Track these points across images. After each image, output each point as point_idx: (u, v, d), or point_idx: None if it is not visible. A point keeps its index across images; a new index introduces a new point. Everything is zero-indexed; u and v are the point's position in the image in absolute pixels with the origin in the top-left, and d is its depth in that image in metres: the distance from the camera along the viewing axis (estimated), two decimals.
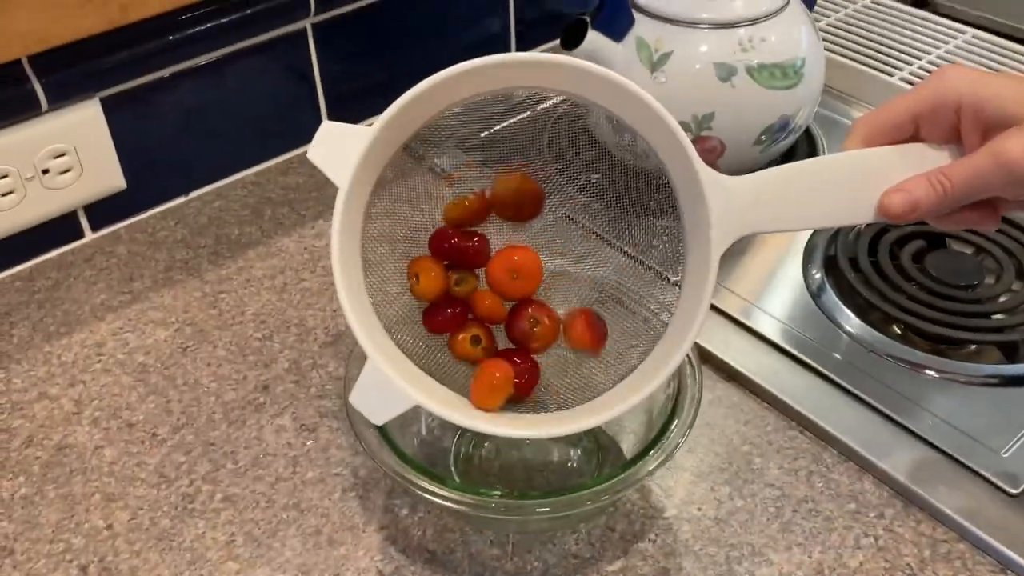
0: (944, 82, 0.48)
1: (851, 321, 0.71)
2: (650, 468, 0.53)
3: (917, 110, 0.49)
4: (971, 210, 0.49)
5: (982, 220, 0.50)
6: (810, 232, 0.79)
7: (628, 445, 0.63)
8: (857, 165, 0.50)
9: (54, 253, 0.81)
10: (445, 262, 0.56)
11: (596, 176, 0.58)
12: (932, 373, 0.67)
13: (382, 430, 0.55)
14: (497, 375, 0.52)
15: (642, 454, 0.54)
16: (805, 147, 0.89)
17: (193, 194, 0.87)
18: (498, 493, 0.53)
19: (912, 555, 0.57)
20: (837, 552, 0.57)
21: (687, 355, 0.58)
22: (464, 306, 0.55)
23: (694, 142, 0.77)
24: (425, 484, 0.52)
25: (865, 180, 0.49)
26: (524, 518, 0.55)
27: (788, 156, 0.87)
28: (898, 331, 0.70)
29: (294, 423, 0.66)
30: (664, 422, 0.56)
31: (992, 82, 0.47)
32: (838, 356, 0.68)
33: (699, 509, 0.60)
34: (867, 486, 0.61)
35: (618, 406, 0.50)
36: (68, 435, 0.65)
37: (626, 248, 0.57)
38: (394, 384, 0.49)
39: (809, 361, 0.68)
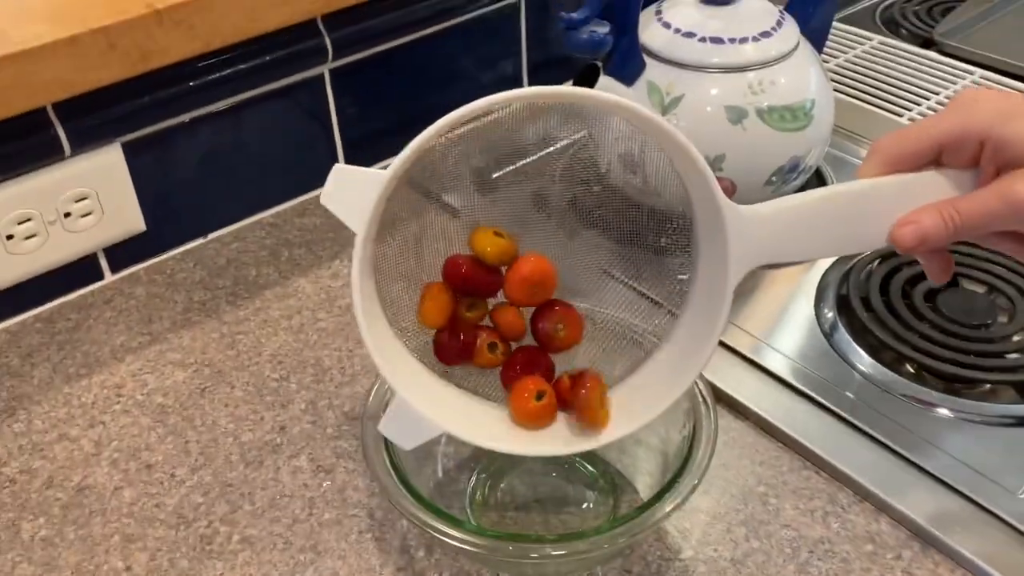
0: (973, 115, 0.48)
1: (864, 360, 0.71)
2: (666, 510, 0.53)
3: (942, 140, 0.48)
4: (1001, 237, 0.49)
5: (1015, 249, 0.50)
6: (823, 271, 0.80)
7: (643, 486, 0.63)
8: (870, 195, 0.50)
9: (74, 295, 0.82)
10: (459, 291, 0.56)
11: (602, 212, 0.59)
12: (946, 412, 0.67)
13: (398, 472, 0.55)
14: (534, 404, 0.52)
15: (658, 496, 0.54)
16: (815, 186, 0.89)
17: (211, 236, 0.88)
18: (513, 536, 0.53)
19: None
20: None
21: (702, 395, 0.59)
22: (474, 333, 0.55)
23: None
24: (441, 526, 0.53)
25: (877, 210, 0.49)
26: (540, 561, 0.55)
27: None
28: (911, 370, 0.71)
29: (311, 464, 0.66)
30: (680, 463, 0.56)
31: (1018, 123, 0.47)
32: (851, 395, 0.68)
33: (715, 550, 0.60)
34: (884, 527, 0.61)
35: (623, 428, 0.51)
36: (88, 476, 0.66)
37: (634, 284, 0.58)
38: (421, 415, 0.49)
39: (823, 400, 0.68)
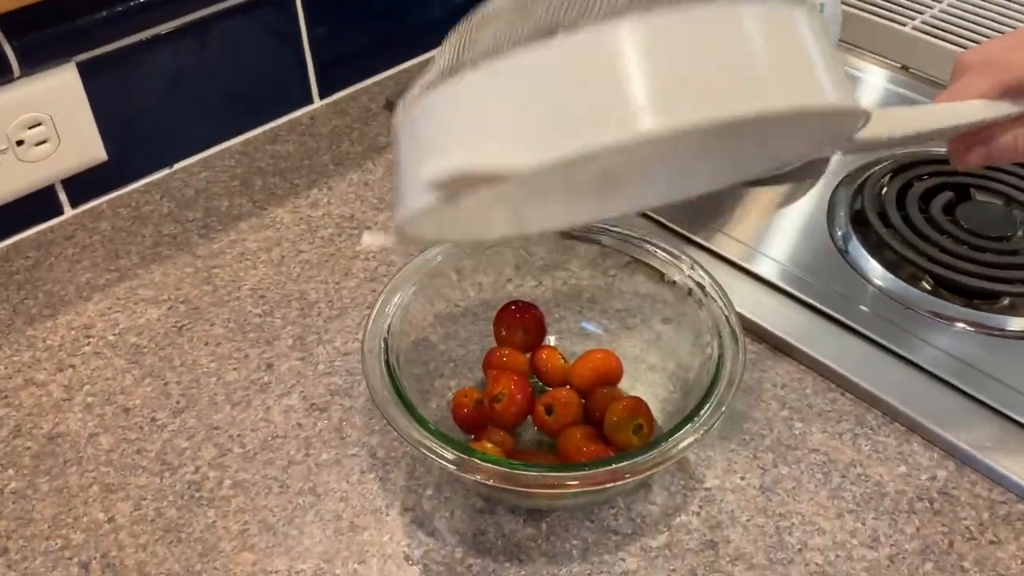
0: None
1: (881, 275, 0.67)
2: (692, 438, 0.49)
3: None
4: None
5: None
6: (832, 187, 0.76)
7: (661, 415, 0.59)
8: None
9: (32, 231, 0.75)
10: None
11: None
12: (966, 327, 0.64)
13: (406, 403, 0.51)
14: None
15: (691, 415, 0.50)
16: None
17: (177, 165, 0.82)
18: (531, 466, 0.49)
19: (971, 518, 0.54)
20: (891, 518, 0.54)
21: (728, 318, 0.55)
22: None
23: None
24: (455, 456, 0.48)
25: None
26: (559, 491, 0.51)
27: None
28: (928, 285, 0.67)
29: (303, 403, 0.62)
30: (706, 386, 0.52)
31: None
32: (870, 312, 0.65)
33: (742, 478, 0.56)
34: (916, 447, 0.58)
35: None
36: (59, 423, 0.61)
37: None
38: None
39: (842, 319, 0.64)
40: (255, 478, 0.57)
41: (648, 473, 0.48)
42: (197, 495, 0.56)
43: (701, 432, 0.50)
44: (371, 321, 0.56)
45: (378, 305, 0.57)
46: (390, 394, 0.51)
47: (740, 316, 0.63)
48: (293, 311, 0.68)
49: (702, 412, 0.50)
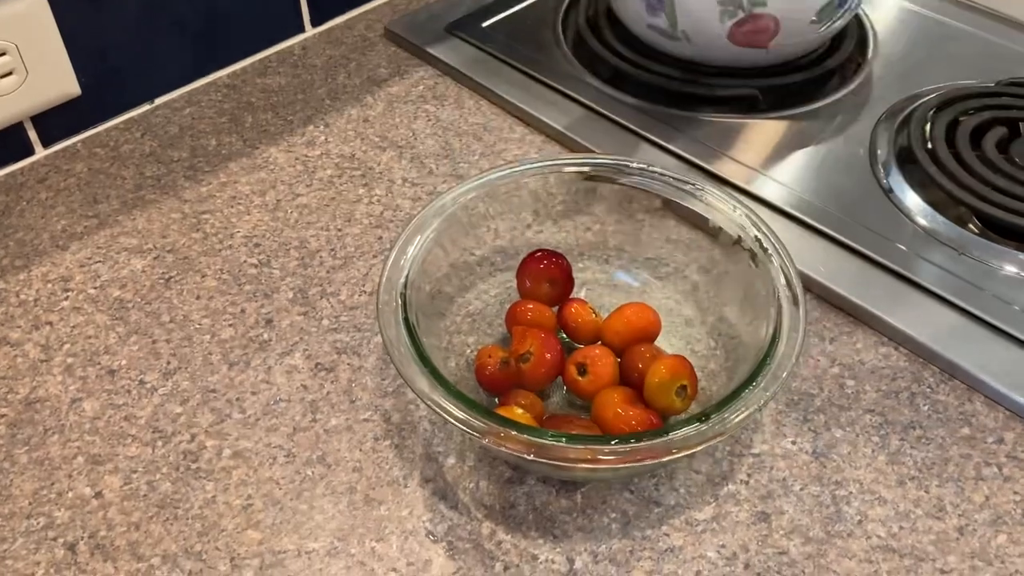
0: None
1: (931, 217, 0.62)
2: (751, 409, 0.44)
3: None
4: None
5: None
6: (873, 122, 0.70)
7: (706, 375, 0.54)
8: None
9: (0, 173, 0.69)
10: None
11: None
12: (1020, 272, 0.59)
13: (429, 367, 0.45)
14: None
15: (748, 382, 0.45)
16: (856, 28, 0.79)
17: (159, 100, 0.75)
18: (573, 437, 0.44)
19: None
20: (957, 485, 0.50)
21: (788, 279, 0.49)
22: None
23: (745, 20, 0.67)
24: (486, 425, 0.43)
25: None
26: (600, 466, 0.46)
27: (838, 39, 0.77)
28: (975, 228, 0.62)
29: (307, 362, 0.56)
30: (764, 353, 0.47)
31: None
32: (922, 258, 0.60)
33: (793, 443, 0.52)
34: (979, 407, 0.53)
35: None
36: (37, 387, 0.55)
37: None
38: None
39: (892, 266, 0.59)
40: (258, 447, 0.52)
41: (700, 448, 0.43)
42: (194, 467, 0.51)
43: (760, 403, 0.45)
44: (387, 270, 0.50)
45: (394, 253, 0.51)
46: (409, 353, 0.46)
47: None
48: (292, 261, 0.62)
49: (758, 380, 0.45)
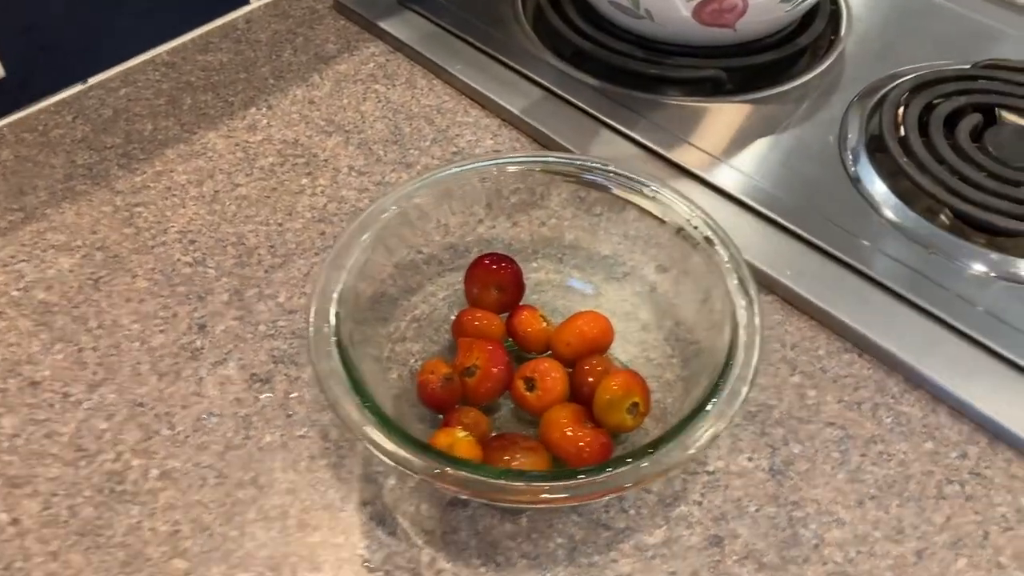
0: None
1: (904, 214, 0.59)
2: (708, 435, 0.42)
3: None
4: None
5: None
6: (844, 108, 0.67)
7: (662, 386, 0.51)
8: None
9: None
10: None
11: None
12: (990, 272, 0.57)
13: (356, 384, 0.42)
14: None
15: (703, 405, 0.42)
16: (828, 4, 0.76)
17: (93, 80, 0.71)
18: (517, 474, 0.41)
19: (1007, 504, 0.48)
20: (918, 505, 0.48)
21: (741, 280, 0.47)
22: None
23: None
24: (420, 462, 0.40)
25: None
26: (547, 504, 0.43)
27: (810, 16, 0.74)
28: (946, 220, 0.59)
29: (241, 372, 0.53)
30: (720, 368, 0.44)
31: None
32: (890, 257, 0.57)
33: (749, 459, 0.49)
34: (943, 419, 0.51)
35: None
36: None
37: None
38: None
39: (859, 265, 0.57)
40: (187, 467, 0.49)
41: (640, 486, 0.41)
42: (119, 488, 0.48)
43: (720, 426, 0.42)
44: (319, 284, 0.47)
45: (328, 261, 0.48)
46: (344, 384, 0.43)
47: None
48: (229, 259, 0.59)
49: (716, 401, 0.43)
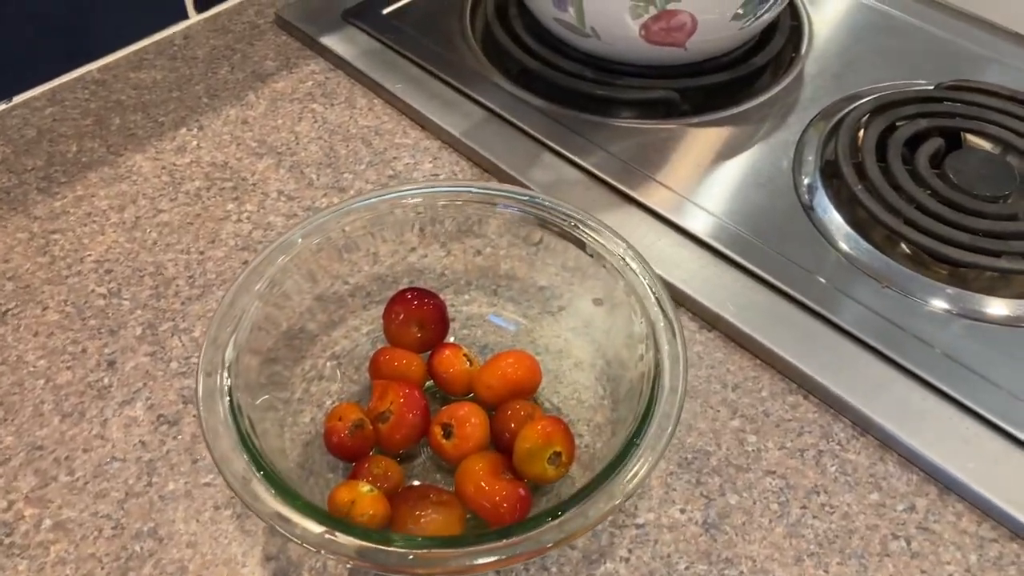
0: None
1: (858, 245, 0.56)
2: (634, 481, 0.39)
3: None
4: None
5: None
6: (802, 129, 0.64)
7: (592, 430, 0.48)
8: None
9: None
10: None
11: None
12: (955, 310, 0.54)
13: (249, 449, 0.39)
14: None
15: (624, 453, 0.39)
16: (788, 20, 0.73)
17: (17, 99, 0.68)
18: (431, 541, 0.38)
19: (955, 561, 0.45)
20: (860, 562, 0.44)
21: (661, 305, 0.44)
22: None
23: (658, 17, 0.61)
24: (305, 525, 0.37)
25: None
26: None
27: (768, 32, 0.71)
28: (907, 250, 0.57)
29: (149, 413, 0.50)
30: (643, 410, 0.41)
31: None
32: (847, 294, 0.54)
33: (682, 511, 0.46)
34: (891, 468, 0.48)
35: None
36: None
37: None
38: None
39: (808, 302, 0.54)
40: (83, 516, 0.46)
41: (551, 550, 0.38)
42: (7, 540, 0.45)
43: (642, 472, 0.39)
44: (216, 319, 0.44)
45: (230, 293, 0.45)
46: (233, 440, 0.39)
47: (682, 295, 0.52)
48: (145, 290, 0.56)
49: (639, 446, 0.40)
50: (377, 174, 0.62)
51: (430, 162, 0.63)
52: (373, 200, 0.51)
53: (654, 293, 0.45)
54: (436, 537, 0.40)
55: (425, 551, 0.36)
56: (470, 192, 0.50)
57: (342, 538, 0.36)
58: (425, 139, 0.65)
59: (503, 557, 0.37)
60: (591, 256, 0.48)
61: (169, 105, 0.67)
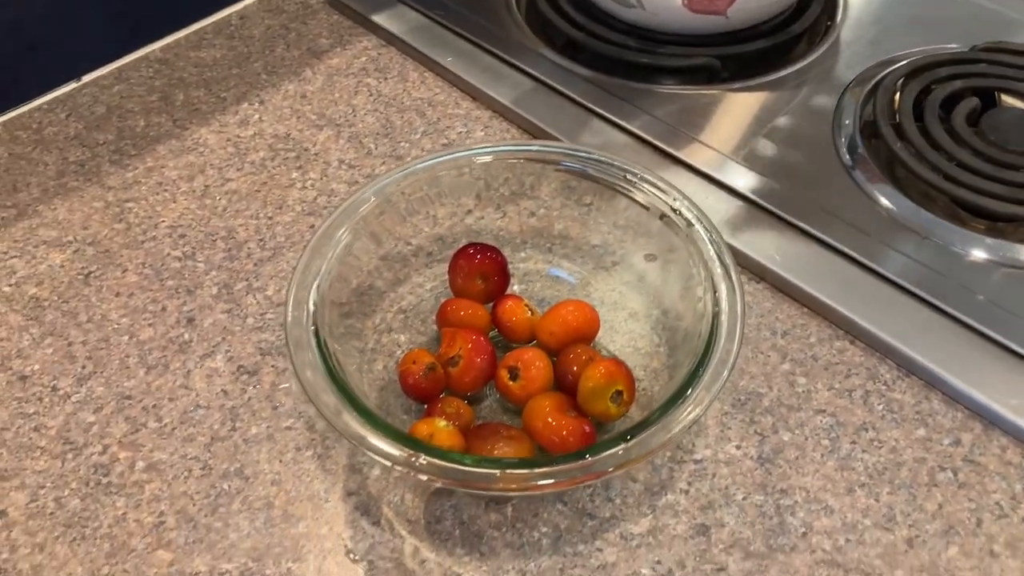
0: None
1: (899, 201, 0.58)
2: (697, 401, 0.41)
3: None
4: None
5: None
6: (839, 93, 0.66)
7: (650, 375, 0.51)
8: None
9: None
10: None
11: None
12: (989, 257, 0.56)
13: (338, 383, 0.42)
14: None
15: (684, 389, 0.42)
16: None
17: (86, 78, 0.71)
18: (505, 463, 0.41)
19: (1001, 491, 0.47)
20: (909, 492, 0.47)
21: (723, 262, 0.46)
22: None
23: None
24: (399, 453, 0.40)
25: None
26: (523, 492, 0.43)
27: (805, 1, 0.73)
28: (944, 208, 0.59)
29: (229, 365, 0.53)
30: (701, 352, 0.44)
31: None
32: (885, 244, 0.56)
33: (738, 447, 0.49)
34: (936, 405, 0.50)
35: None
36: None
37: None
38: None
39: (851, 252, 0.56)
40: (173, 459, 0.49)
41: (620, 472, 0.40)
42: (105, 481, 0.48)
43: (699, 410, 0.41)
44: (297, 275, 0.47)
45: (306, 253, 0.48)
46: (322, 377, 0.42)
47: (733, 251, 0.54)
48: (219, 253, 0.59)
49: (697, 385, 0.42)
50: (432, 142, 0.65)
51: (481, 130, 0.66)
52: (432, 161, 0.53)
53: (712, 243, 0.48)
54: (505, 458, 0.43)
55: (510, 471, 0.39)
56: (530, 150, 0.53)
57: (425, 459, 0.39)
58: (476, 109, 0.68)
59: (572, 477, 0.39)
60: (647, 209, 0.51)
61: (230, 81, 0.70)
